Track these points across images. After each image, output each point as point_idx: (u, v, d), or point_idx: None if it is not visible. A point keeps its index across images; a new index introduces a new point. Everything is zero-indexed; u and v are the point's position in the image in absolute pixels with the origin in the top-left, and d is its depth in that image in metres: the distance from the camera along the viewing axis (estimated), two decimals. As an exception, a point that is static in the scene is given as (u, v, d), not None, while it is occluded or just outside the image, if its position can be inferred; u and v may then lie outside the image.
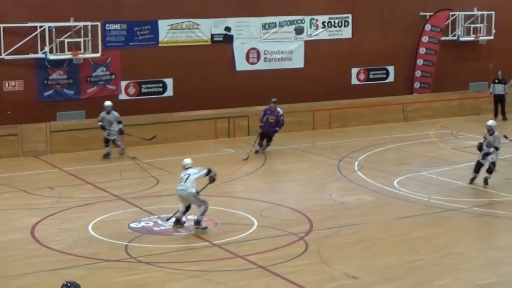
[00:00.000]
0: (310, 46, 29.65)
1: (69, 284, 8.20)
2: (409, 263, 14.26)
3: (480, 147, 19.89)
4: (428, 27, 31.33)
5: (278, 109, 24.22)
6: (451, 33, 31.80)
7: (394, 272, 13.78)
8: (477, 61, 32.45)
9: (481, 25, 32.07)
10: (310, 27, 29.63)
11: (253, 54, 28.74)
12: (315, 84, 29.35)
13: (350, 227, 16.36)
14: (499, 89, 29.95)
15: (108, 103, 23.54)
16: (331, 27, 29.97)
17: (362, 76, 30.74)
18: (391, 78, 31.23)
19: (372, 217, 17.12)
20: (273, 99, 24.26)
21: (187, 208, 16.17)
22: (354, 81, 30.72)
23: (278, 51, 29.19)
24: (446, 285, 13.30)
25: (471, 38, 31.93)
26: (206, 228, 15.98)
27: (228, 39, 28.25)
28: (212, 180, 16.31)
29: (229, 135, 26.57)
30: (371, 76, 30.94)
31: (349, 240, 15.53)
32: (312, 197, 18.99)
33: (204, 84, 27.70)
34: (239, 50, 28.51)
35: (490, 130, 19.75)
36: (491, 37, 32.20)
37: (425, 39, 31.34)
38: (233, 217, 17.04)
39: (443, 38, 31.51)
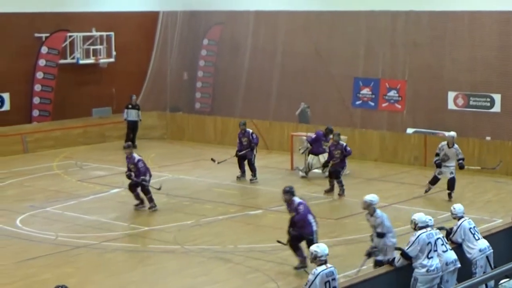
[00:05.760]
0: None
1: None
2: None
3: (439, 164, 22.28)
4: (44, 49, 31.60)
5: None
6: (70, 55, 32.33)
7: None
8: (99, 85, 33.34)
9: (101, 46, 33.00)
10: None
11: None
12: None
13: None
14: (132, 115, 30.88)
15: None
16: None
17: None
18: (6, 106, 30.85)
19: (-8, 262, 17.07)
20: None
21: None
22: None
23: None
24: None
25: (91, 60, 32.75)
26: None
27: None
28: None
29: None
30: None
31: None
32: None
33: None
34: None
35: (450, 143, 22.26)
36: (112, 60, 33.32)
37: (42, 62, 31.56)
38: None
39: (61, 61, 31.95)
